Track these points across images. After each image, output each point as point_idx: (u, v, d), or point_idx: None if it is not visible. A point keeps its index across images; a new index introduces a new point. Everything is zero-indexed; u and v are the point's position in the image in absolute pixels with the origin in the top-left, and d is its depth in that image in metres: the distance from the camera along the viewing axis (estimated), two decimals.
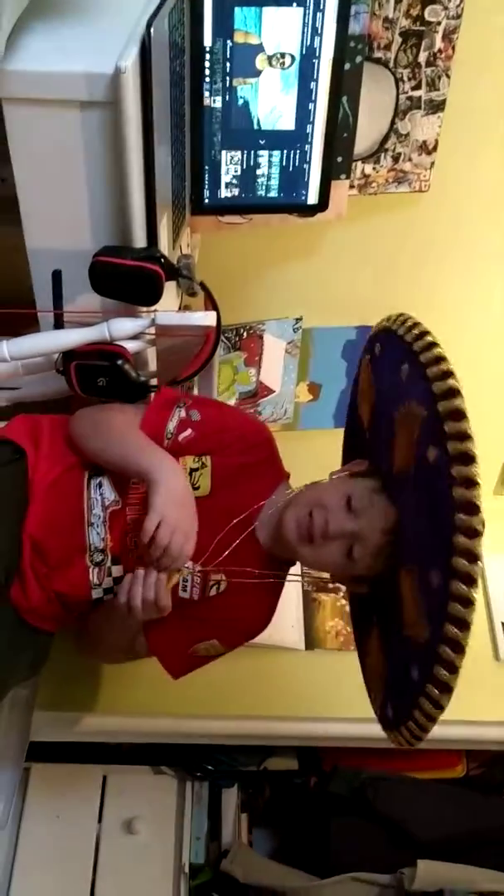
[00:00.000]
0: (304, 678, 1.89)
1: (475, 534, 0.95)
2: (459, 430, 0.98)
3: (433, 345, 1.06)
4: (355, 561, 1.18)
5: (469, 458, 0.97)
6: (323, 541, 1.18)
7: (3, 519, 1.21)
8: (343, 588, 1.51)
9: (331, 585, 1.39)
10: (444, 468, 0.98)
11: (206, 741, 1.91)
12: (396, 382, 1.11)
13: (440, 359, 1.03)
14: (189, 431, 1.27)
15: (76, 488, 1.24)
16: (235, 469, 1.28)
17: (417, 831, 1.90)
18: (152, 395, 1.28)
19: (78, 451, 1.26)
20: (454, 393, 1.00)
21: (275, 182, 1.42)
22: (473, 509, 0.95)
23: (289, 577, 1.35)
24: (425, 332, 1.08)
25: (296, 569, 1.36)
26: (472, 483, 0.96)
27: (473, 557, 0.96)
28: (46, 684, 1.68)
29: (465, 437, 0.98)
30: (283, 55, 1.28)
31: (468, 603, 0.97)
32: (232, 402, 2.00)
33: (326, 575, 1.31)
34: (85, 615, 1.31)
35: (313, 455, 1.94)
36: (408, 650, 1.08)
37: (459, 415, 0.99)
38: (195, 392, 1.46)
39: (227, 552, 1.24)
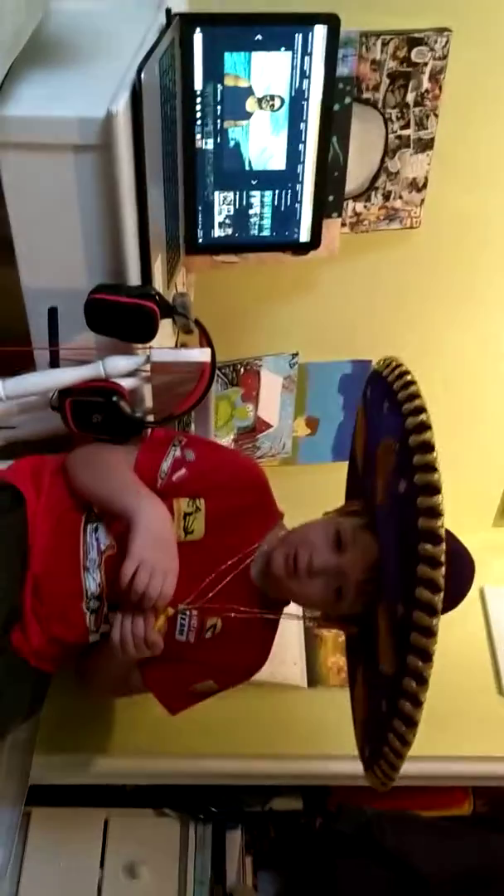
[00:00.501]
0: (308, 716, 1.87)
1: (437, 564, 0.97)
2: (426, 462, 1.01)
3: (410, 383, 1.11)
4: (342, 597, 1.18)
5: (433, 489, 0.99)
6: (308, 576, 1.19)
7: (5, 566, 1.21)
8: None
9: (322, 625, 1.40)
10: (411, 499, 1.00)
11: (209, 782, 1.88)
12: (379, 420, 1.15)
13: (414, 396, 1.08)
14: (183, 471, 1.27)
15: (73, 532, 1.24)
16: (229, 511, 1.28)
17: (426, 870, 1.86)
18: (148, 431, 1.29)
19: (70, 487, 1.27)
20: (424, 427, 1.03)
21: (267, 221, 1.44)
22: (436, 539, 0.97)
23: (283, 615, 1.35)
24: (405, 372, 1.13)
25: (292, 608, 1.35)
26: (434, 513, 0.98)
27: (436, 587, 0.97)
28: (46, 726, 1.66)
29: (432, 468, 1.00)
30: (272, 97, 1.31)
31: (429, 633, 0.98)
32: (230, 437, 2.01)
33: (318, 613, 1.32)
34: (83, 654, 1.30)
35: (313, 489, 1.95)
36: (381, 685, 1.09)
37: (427, 447, 1.02)
38: (192, 428, 1.47)
39: (218, 588, 1.24)
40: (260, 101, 1.31)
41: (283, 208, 1.43)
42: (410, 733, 1.02)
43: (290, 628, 1.35)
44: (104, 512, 1.24)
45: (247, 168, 1.37)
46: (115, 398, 1.18)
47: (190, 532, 1.24)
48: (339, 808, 1.98)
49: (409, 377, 1.12)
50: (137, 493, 1.20)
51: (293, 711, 1.88)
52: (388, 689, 1.05)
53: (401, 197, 1.66)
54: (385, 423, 1.12)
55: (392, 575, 1.07)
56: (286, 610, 1.35)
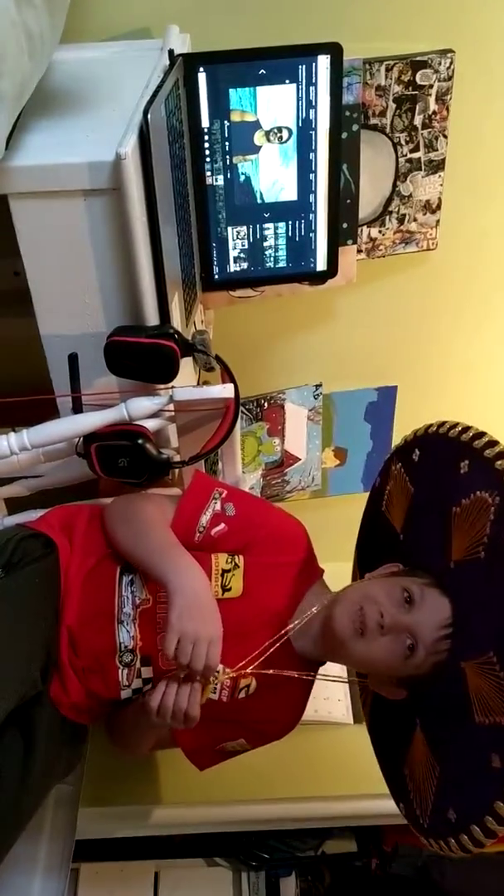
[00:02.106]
0: (355, 753, 1.81)
1: None
2: None
3: (495, 442, 1.08)
4: (413, 656, 1.13)
5: None
6: (378, 634, 1.14)
7: (40, 615, 1.19)
8: None
9: (370, 687, 1.35)
10: None
11: (259, 828, 1.84)
12: (451, 480, 1.12)
13: (501, 451, 1.06)
14: (222, 526, 1.25)
15: (109, 584, 1.22)
16: (268, 569, 1.25)
17: None
18: (176, 472, 1.27)
19: (108, 540, 1.25)
20: None
21: (282, 253, 1.44)
22: None
23: (324, 677, 1.31)
24: (483, 433, 1.10)
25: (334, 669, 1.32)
26: None
27: None
28: (90, 779, 1.63)
29: None
30: (280, 130, 1.31)
31: None
32: (258, 472, 1.99)
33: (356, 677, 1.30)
34: (115, 710, 1.28)
35: (346, 521, 1.92)
36: (486, 738, 1.03)
37: None
38: (220, 466, 1.45)
39: (259, 656, 1.20)
40: (268, 134, 1.31)
41: (297, 239, 1.42)
42: None
43: (332, 665, 1.32)
44: (143, 573, 1.22)
45: (259, 201, 1.37)
46: (140, 440, 1.17)
47: (228, 589, 1.21)
48: (394, 848, 1.92)
49: (488, 437, 1.09)
50: (174, 557, 1.17)
51: (340, 749, 1.84)
52: None
53: (415, 219, 1.65)
54: (469, 480, 1.09)
55: (492, 630, 1.04)
56: (331, 672, 1.31)
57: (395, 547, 1.26)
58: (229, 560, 1.23)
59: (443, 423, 1.17)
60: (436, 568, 1.15)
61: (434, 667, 1.13)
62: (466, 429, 1.13)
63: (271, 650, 1.20)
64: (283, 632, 1.23)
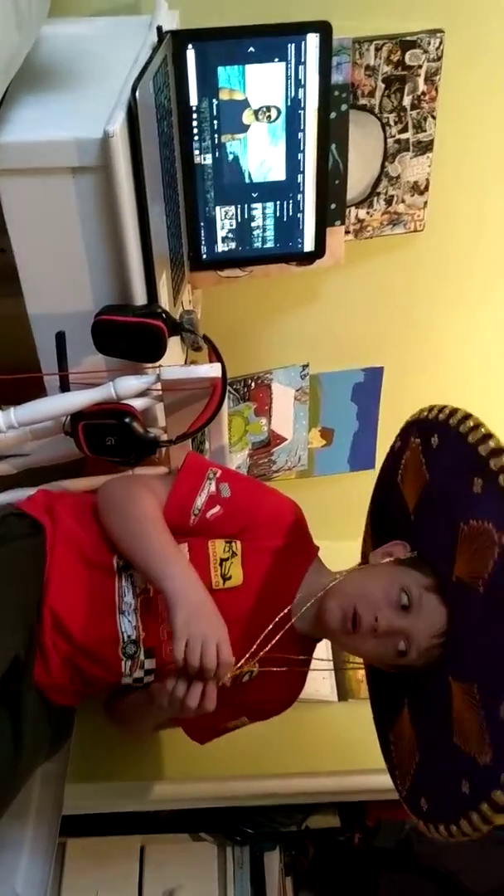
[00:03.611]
0: (340, 730, 1.85)
1: None
2: None
3: None
4: (403, 657, 1.14)
5: None
6: (370, 635, 1.14)
7: (21, 594, 1.19)
8: None
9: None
10: None
11: (243, 803, 1.85)
12: (465, 492, 1.08)
13: None
14: (217, 508, 1.24)
15: (106, 573, 1.22)
16: (266, 553, 1.25)
17: (470, 883, 1.83)
18: (163, 450, 1.27)
19: (100, 526, 1.24)
20: None
21: (270, 233, 1.44)
22: None
23: (321, 667, 1.33)
24: (502, 450, 1.05)
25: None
26: None
27: None
28: (76, 756, 1.64)
29: None
30: (268, 109, 1.31)
31: None
32: (245, 452, 1.99)
33: (359, 659, 1.29)
34: (115, 694, 1.29)
35: (332, 500, 1.93)
36: (459, 762, 1.05)
37: None
38: (207, 445, 1.46)
39: (266, 646, 1.20)
40: (256, 113, 1.31)
41: (285, 219, 1.42)
42: (499, 817, 0.98)
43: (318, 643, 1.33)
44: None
45: (247, 181, 1.36)
46: (127, 419, 1.17)
47: (228, 578, 1.21)
48: (377, 823, 1.94)
49: (499, 446, 1.05)
50: (170, 561, 1.16)
51: (325, 726, 1.85)
52: (477, 775, 1.01)
53: (403, 201, 1.65)
54: (480, 502, 1.06)
55: (483, 665, 1.04)
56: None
57: (405, 525, 1.24)
58: (226, 548, 1.23)
59: (466, 418, 1.12)
60: (440, 571, 1.14)
61: (425, 665, 1.14)
62: (487, 437, 1.07)
63: (276, 638, 1.20)
64: (287, 620, 1.22)
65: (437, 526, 1.15)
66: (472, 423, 1.10)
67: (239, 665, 1.19)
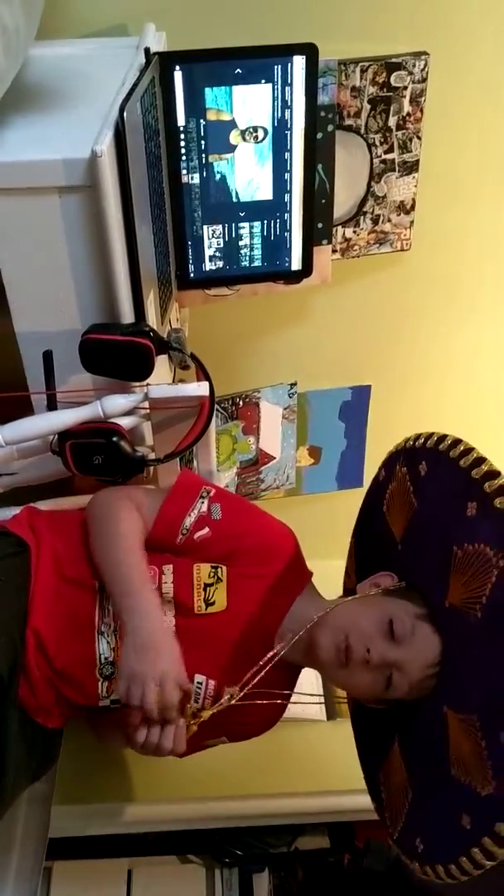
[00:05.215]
0: (329, 750, 1.83)
1: None
2: None
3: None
4: (393, 688, 1.12)
5: None
6: (362, 668, 1.12)
7: (4, 614, 1.18)
8: None
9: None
10: None
11: (232, 824, 1.84)
12: (458, 516, 1.07)
13: None
14: (206, 530, 1.22)
15: (87, 593, 1.21)
16: (253, 581, 1.22)
17: None
18: (150, 469, 1.27)
19: (84, 538, 1.23)
20: None
21: (258, 252, 1.44)
22: None
23: (304, 701, 1.32)
24: (497, 473, 1.04)
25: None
26: None
27: None
28: (63, 777, 1.63)
29: None
30: (255, 129, 1.31)
31: None
32: (233, 471, 1.99)
33: (342, 693, 1.29)
34: (95, 714, 1.28)
35: (320, 518, 1.93)
36: (458, 795, 1.03)
37: None
38: (195, 464, 1.45)
39: (252, 679, 1.19)
40: (243, 133, 1.31)
41: (272, 238, 1.43)
42: (502, 852, 0.97)
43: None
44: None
45: (234, 200, 1.37)
46: (115, 438, 1.17)
47: (211, 603, 1.19)
48: (367, 844, 1.93)
49: (492, 469, 1.04)
50: (129, 588, 1.14)
51: (313, 746, 1.84)
52: (479, 807, 1.00)
53: (389, 220, 1.66)
54: (474, 526, 1.04)
55: (480, 696, 1.02)
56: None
57: (392, 555, 1.23)
58: (212, 573, 1.21)
59: (456, 444, 1.11)
60: (432, 599, 1.12)
61: (417, 698, 1.13)
62: (480, 461, 1.06)
63: (262, 673, 1.18)
64: (270, 648, 1.21)
65: (427, 553, 1.14)
66: (463, 448, 1.09)
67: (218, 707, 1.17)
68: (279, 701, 1.26)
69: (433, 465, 1.15)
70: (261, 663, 1.19)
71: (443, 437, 1.14)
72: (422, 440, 1.18)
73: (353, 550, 1.39)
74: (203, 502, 1.24)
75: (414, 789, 1.15)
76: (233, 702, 1.19)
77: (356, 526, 1.38)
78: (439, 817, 1.08)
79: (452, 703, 1.07)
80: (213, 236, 1.40)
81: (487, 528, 1.03)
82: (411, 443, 1.21)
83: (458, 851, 1.01)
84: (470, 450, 1.08)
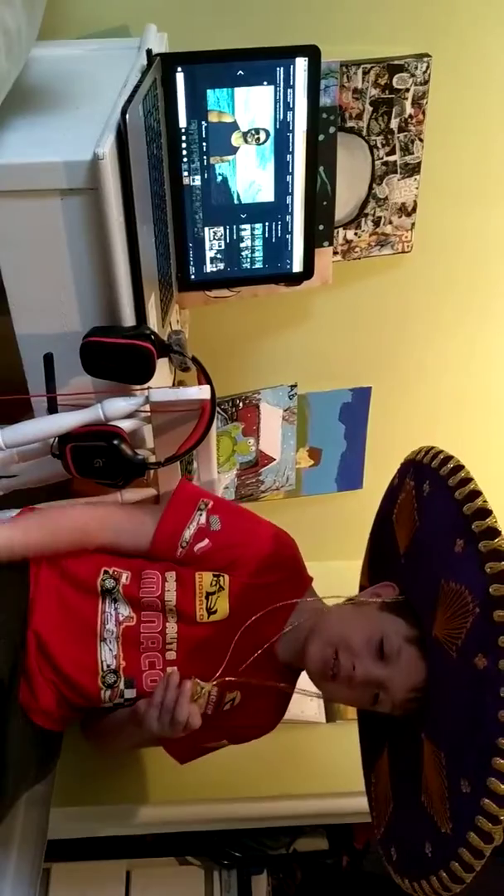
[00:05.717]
0: (328, 751, 1.83)
1: None
2: None
3: (495, 532, 1.00)
4: (378, 704, 1.13)
5: None
6: (347, 683, 1.12)
7: (5, 616, 1.18)
8: None
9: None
10: (494, 683, 0.94)
11: (230, 826, 1.83)
12: (448, 549, 1.05)
13: (501, 553, 0.98)
14: (206, 542, 1.23)
15: (90, 599, 1.21)
16: (254, 589, 1.23)
17: None
18: (150, 473, 1.27)
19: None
20: None
21: (259, 254, 1.44)
22: None
23: (305, 695, 1.31)
24: (488, 511, 1.02)
25: None
26: None
27: None
28: (62, 779, 1.62)
29: None
30: (257, 131, 1.31)
31: (497, 821, 0.94)
32: (233, 472, 1.99)
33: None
34: (94, 713, 1.28)
35: (319, 520, 1.93)
36: (425, 824, 1.04)
37: None
38: (196, 466, 1.45)
39: (242, 664, 1.20)
40: (245, 135, 1.31)
41: (274, 240, 1.42)
42: (456, 886, 0.98)
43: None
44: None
45: (235, 202, 1.37)
46: (115, 441, 1.17)
47: (213, 612, 1.20)
48: (365, 845, 1.93)
49: (491, 520, 1.00)
50: None
51: (312, 748, 1.84)
52: (439, 841, 1.01)
53: (391, 222, 1.65)
54: (460, 565, 1.02)
55: (450, 734, 1.02)
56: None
57: (396, 566, 1.23)
58: (213, 582, 1.22)
59: (456, 471, 1.08)
60: (423, 625, 1.11)
61: (403, 716, 1.13)
62: (474, 495, 1.04)
63: (253, 657, 1.19)
64: (270, 651, 1.22)
65: (423, 576, 1.13)
66: (461, 477, 1.07)
67: (214, 681, 1.18)
68: (280, 696, 1.27)
69: (434, 487, 1.13)
70: (256, 656, 1.20)
71: (446, 460, 1.12)
72: (429, 457, 1.16)
73: (368, 548, 1.39)
74: (202, 514, 1.25)
75: (394, 800, 1.16)
76: (236, 696, 1.21)
77: (373, 527, 1.38)
78: (410, 836, 1.09)
79: (429, 733, 1.07)
80: (214, 238, 1.39)
81: (469, 570, 1.01)
82: (421, 456, 1.19)
83: (420, 874, 1.03)
84: (468, 480, 1.06)
